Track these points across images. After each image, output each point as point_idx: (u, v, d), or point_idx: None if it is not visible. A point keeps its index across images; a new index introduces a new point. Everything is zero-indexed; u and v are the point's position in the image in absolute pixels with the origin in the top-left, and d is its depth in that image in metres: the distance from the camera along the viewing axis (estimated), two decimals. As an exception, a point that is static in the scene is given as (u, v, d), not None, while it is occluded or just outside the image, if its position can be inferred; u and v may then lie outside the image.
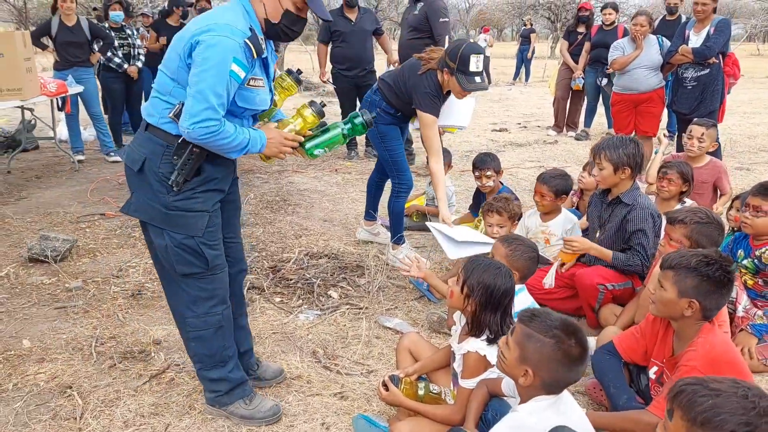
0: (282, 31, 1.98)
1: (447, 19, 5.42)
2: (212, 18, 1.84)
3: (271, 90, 2.08)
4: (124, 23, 6.84)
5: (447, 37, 5.32)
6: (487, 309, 1.99)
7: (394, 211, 3.75)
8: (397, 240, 3.79)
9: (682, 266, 1.94)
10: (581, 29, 7.96)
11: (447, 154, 4.44)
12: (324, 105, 2.20)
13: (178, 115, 1.84)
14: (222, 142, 1.86)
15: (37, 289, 3.32)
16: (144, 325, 2.91)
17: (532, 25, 17.97)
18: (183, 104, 1.83)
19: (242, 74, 1.84)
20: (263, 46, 1.93)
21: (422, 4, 5.40)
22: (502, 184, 4.11)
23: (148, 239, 2.07)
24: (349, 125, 2.23)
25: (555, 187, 3.33)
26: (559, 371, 1.61)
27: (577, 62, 7.85)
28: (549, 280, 3.02)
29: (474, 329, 2.02)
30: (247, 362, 2.37)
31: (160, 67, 1.94)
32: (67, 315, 3.02)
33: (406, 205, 4.63)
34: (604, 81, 7.22)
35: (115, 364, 2.57)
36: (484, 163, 3.94)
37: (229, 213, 2.20)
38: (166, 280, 2.13)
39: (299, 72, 2.24)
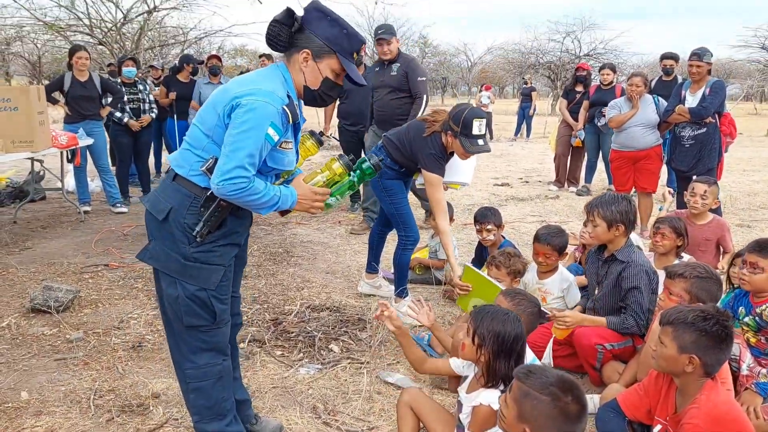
0: (320, 96, 2.08)
1: (425, 78, 5.53)
2: (254, 83, 1.94)
3: (296, 152, 2.16)
4: (136, 78, 7.06)
5: (425, 96, 5.48)
6: (500, 357, 2.00)
7: (399, 263, 3.78)
8: (401, 293, 3.80)
9: (680, 322, 1.95)
10: (579, 88, 8.26)
11: (449, 208, 4.51)
12: (352, 159, 2.24)
13: (210, 169, 1.91)
14: (250, 198, 1.91)
15: (38, 340, 3.31)
16: (143, 378, 2.89)
17: (531, 83, 18.42)
18: (215, 159, 1.91)
19: (276, 138, 1.92)
20: (297, 112, 2.03)
21: (398, 65, 5.43)
22: (504, 238, 4.16)
23: (159, 289, 2.09)
24: (357, 171, 2.27)
25: (559, 244, 3.37)
26: (557, 429, 1.59)
27: (576, 119, 8.07)
28: (547, 360, 3.01)
29: (490, 379, 2.02)
30: (244, 414, 2.35)
31: (194, 121, 2.03)
32: (67, 367, 3.00)
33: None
34: (603, 121, 7.26)
35: (113, 418, 2.54)
36: (485, 217, 4.02)
37: (236, 268, 2.23)
38: (170, 332, 2.13)
39: (321, 134, 2.35)
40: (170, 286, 2.01)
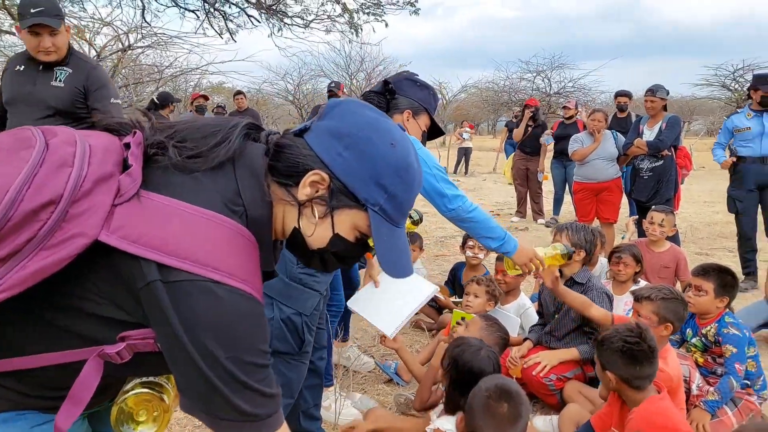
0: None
1: (119, 102, 3.53)
2: None
3: None
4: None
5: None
6: (457, 385, 2.05)
7: None
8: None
9: (598, 341, 2.16)
10: (530, 122, 8.54)
11: (418, 238, 4.61)
12: (574, 252, 2.57)
13: None
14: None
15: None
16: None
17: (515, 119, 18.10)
18: None
19: None
20: None
21: (68, 71, 3.16)
22: (485, 268, 4.29)
23: None
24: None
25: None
26: (480, 423, 1.73)
27: (528, 154, 8.39)
28: None
29: (448, 405, 2.09)
30: None
31: None
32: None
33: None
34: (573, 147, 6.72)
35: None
36: None
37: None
38: None
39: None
40: (266, 307, 2.03)
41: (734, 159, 5.27)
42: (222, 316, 0.93)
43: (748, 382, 2.70)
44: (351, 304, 2.58)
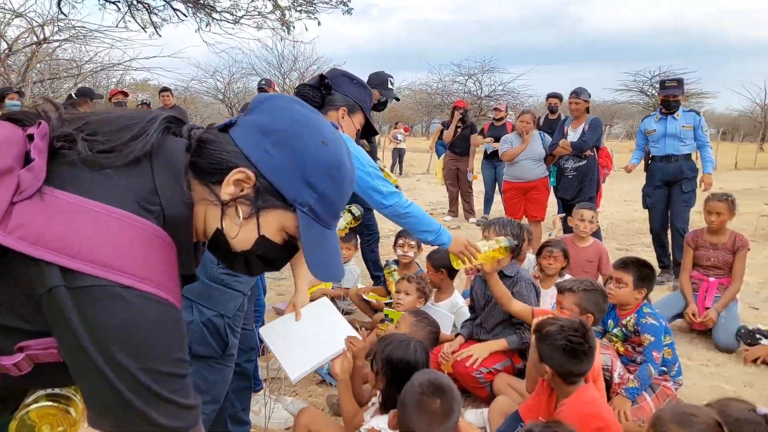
0: None
1: None
2: None
3: None
4: (21, 112, 6.68)
5: None
6: (394, 383, 2.04)
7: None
8: None
9: (537, 331, 2.20)
10: (459, 124, 8.66)
11: (353, 237, 4.58)
12: (516, 245, 2.58)
13: None
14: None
15: None
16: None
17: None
18: None
19: None
20: None
21: None
22: (418, 266, 4.30)
23: None
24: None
25: (436, 261, 3.54)
26: (413, 419, 1.72)
27: (458, 154, 8.53)
28: None
29: (385, 404, 2.07)
30: None
31: None
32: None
33: (312, 289, 4.66)
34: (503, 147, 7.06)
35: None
36: (408, 234, 4.16)
37: (249, 300, 2.18)
38: None
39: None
40: (185, 310, 1.90)
41: (634, 165, 5.64)
42: (133, 323, 0.85)
43: (665, 369, 2.86)
44: (263, 332, 2.30)
